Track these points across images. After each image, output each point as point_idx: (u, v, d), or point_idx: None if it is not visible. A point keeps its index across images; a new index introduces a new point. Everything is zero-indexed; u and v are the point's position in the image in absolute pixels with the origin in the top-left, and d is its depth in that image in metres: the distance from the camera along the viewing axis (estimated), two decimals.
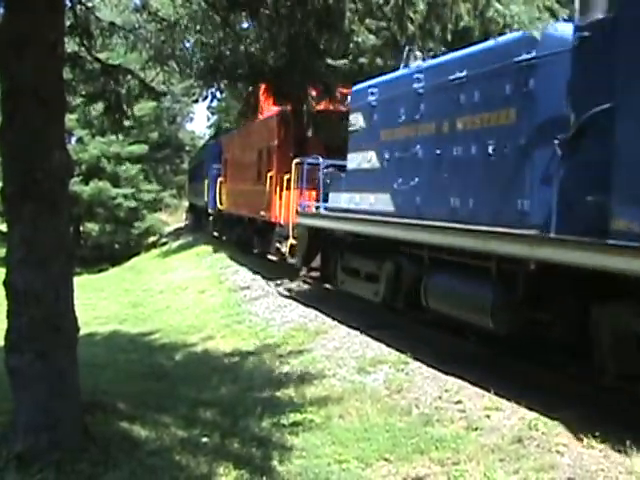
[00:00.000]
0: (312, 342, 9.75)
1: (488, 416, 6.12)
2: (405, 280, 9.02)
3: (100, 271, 28.28)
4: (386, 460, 5.30)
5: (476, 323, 7.27)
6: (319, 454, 5.36)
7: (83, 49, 6.55)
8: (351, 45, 6.29)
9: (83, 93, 7.17)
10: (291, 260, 13.91)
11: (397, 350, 8.50)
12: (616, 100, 5.49)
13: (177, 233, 35.82)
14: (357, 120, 10.94)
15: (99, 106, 7.11)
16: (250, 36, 6.66)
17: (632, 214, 5.29)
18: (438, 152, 8.34)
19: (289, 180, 14.19)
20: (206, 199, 26.05)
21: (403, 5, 4.16)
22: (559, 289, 6.20)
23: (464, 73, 7.87)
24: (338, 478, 4.92)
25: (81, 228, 32.36)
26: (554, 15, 4.20)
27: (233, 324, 11.97)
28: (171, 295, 17.30)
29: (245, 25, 6.91)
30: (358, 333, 9.67)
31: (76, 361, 5.09)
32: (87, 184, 30.45)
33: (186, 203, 41.21)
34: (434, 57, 9.97)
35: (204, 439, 5.56)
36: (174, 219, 43.91)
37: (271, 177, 15.37)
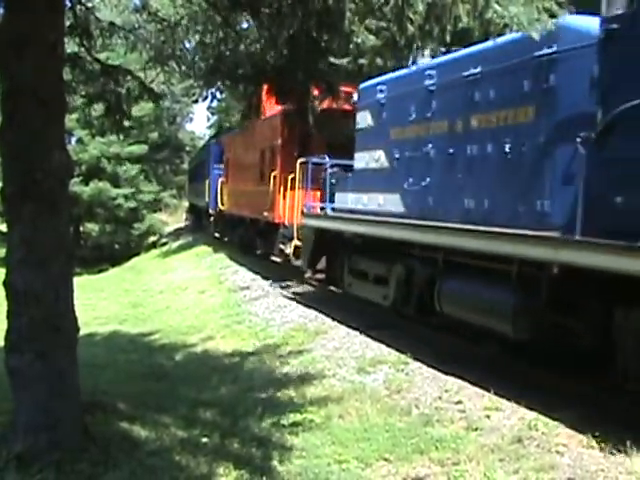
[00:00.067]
0: (312, 342, 9.75)
1: (488, 416, 6.12)
2: (416, 284, 8.75)
3: (100, 271, 28.31)
4: (386, 460, 5.30)
5: (495, 329, 6.97)
6: (319, 454, 5.36)
7: (83, 49, 6.55)
8: (351, 46, 6.27)
9: (83, 94, 7.16)
10: (296, 262, 13.68)
11: (397, 350, 8.50)
12: None
13: (177, 233, 35.83)
14: (365, 118, 10.67)
15: (99, 107, 7.11)
16: (251, 36, 6.66)
17: None
18: (451, 151, 8.09)
19: (293, 180, 14.02)
20: (207, 199, 25.90)
21: (403, 6, 4.17)
22: (582, 293, 5.97)
23: (479, 69, 7.61)
24: (338, 478, 4.92)
25: (81, 228, 32.39)
26: (553, 16, 4.19)
27: (233, 324, 11.97)
28: (171, 295, 17.30)
29: (245, 25, 6.92)
30: (358, 333, 9.67)
31: (76, 361, 5.09)
32: (87, 184, 30.50)
33: (186, 203, 41.21)
34: (446, 53, 9.62)
35: (204, 439, 5.56)
36: (174, 219, 43.93)
37: (275, 177, 15.15)
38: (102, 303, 17.61)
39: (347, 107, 12.10)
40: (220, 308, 13.83)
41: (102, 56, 7.36)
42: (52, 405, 4.78)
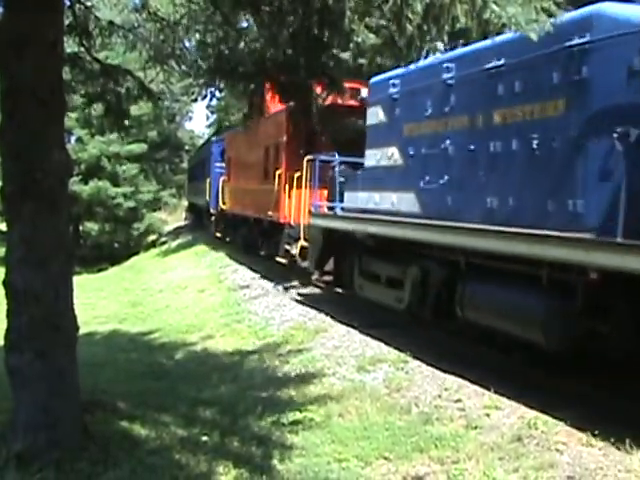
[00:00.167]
0: (312, 341, 9.76)
1: (488, 415, 6.13)
2: (433, 287, 8.35)
3: (99, 270, 28.31)
4: (386, 459, 5.31)
5: (524, 337, 6.60)
6: (319, 453, 5.37)
7: (82, 49, 6.55)
8: (351, 45, 6.24)
9: (82, 93, 7.17)
10: (303, 263, 13.22)
11: (396, 349, 8.51)
12: None
13: (176, 232, 35.81)
14: (376, 114, 10.20)
15: (99, 106, 7.11)
16: (251, 34, 6.65)
17: None
18: (471, 147, 7.67)
19: (299, 178, 13.52)
20: (208, 198, 25.47)
21: (401, 5, 4.17)
22: (624, 299, 5.65)
23: (502, 61, 7.18)
24: (338, 477, 4.93)
25: (81, 227, 32.41)
26: (551, 16, 4.19)
27: (233, 323, 11.98)
28: (171, 294, 17.30)
29: (245, 24, 6.91)
30: (357, 332, 9.68)
31: (76, 360, 5.10)
32: (87, 183, 30.52)
33: (185, 202, 41.14)
34: (465, 45, 9.07)
35: (204, 438, 5.56)
36: (173, 218, 43.94)
37: (280, 175, 14.60)
38: (102, 302, 17.62)
39: (353, 103, 11.71)
40: (220, 307, 13.84)
41: (101, 55, 7.36)
42: (52, 404, 4.79)
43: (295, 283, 14.24)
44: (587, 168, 6.02)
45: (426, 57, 4.73)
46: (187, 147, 51.13)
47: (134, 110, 8.29)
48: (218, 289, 16.03)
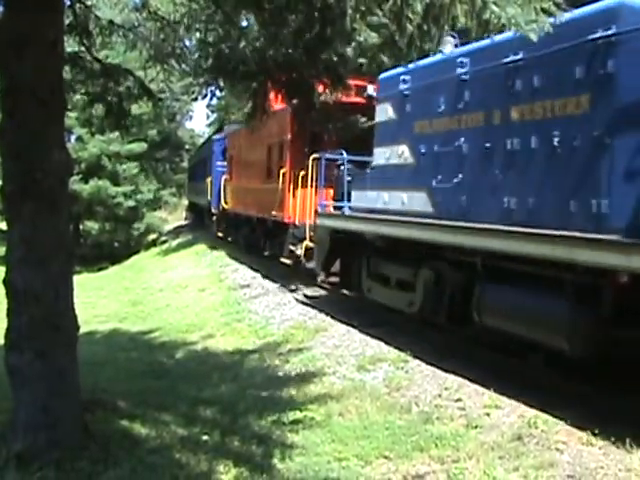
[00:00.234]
0: (312, 340, 9.76)
1: (488, 414, 6.13)
2: (448, 290, 8.01)
3: (100, 270, 28.30)
4: (386, 458, 5.31)
5: (547, 344, 6.35)
6: (319, 452, 5.38)
7: (83, 48, 6.55)
8: (353, 44, 6.22)
9: (83, 91, 7.17)
10: (308, 265, 12.88)
11: (396, 348, 8.51)
12: None
13: (177, 231, 35.80)
14: (385, 111, 9.87)
15: (100, 106, 7.10)
16: (252, 33, 6.63)
17: None
18: (487, 145, 7.39)
19: (304, 177, 13.25)
20: (209, 198, 25.13)
21: (402, 5, 4.17)
22: None
23: (520, 56, 6.88)
24: (338, 476, 4.94)
25: (81, 227, 32.39)
26: (551, 17, 4.18)
27: (233, 322, 11.99)
28: (171, 293, 17.30)
29: (245, 23, 6.91)
30: (357, 331, 9.68)
31: (76, 359, 5.10)
32: (87, 183, 30.47)
33: (186, 201, 41.09)
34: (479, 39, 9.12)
35: (204, 437, 5.57)
36: (174, 217, 43.94)
37: (284, 174, 14.25)
38: (102, 301, 17.62)
39: (359, 100, 11.36)
40: (220, 306, 13.84)
41: (101, 55, 7.36)
42: (52, 403, 4.79)
43: (297, 283, 14.11)
44: (612, 166, 5.76)
45: (427, 56, 4.72)
46: (187, 146, 51.11)
47: (134, 109, 8.25)
48: (218, 288, 16.03)
